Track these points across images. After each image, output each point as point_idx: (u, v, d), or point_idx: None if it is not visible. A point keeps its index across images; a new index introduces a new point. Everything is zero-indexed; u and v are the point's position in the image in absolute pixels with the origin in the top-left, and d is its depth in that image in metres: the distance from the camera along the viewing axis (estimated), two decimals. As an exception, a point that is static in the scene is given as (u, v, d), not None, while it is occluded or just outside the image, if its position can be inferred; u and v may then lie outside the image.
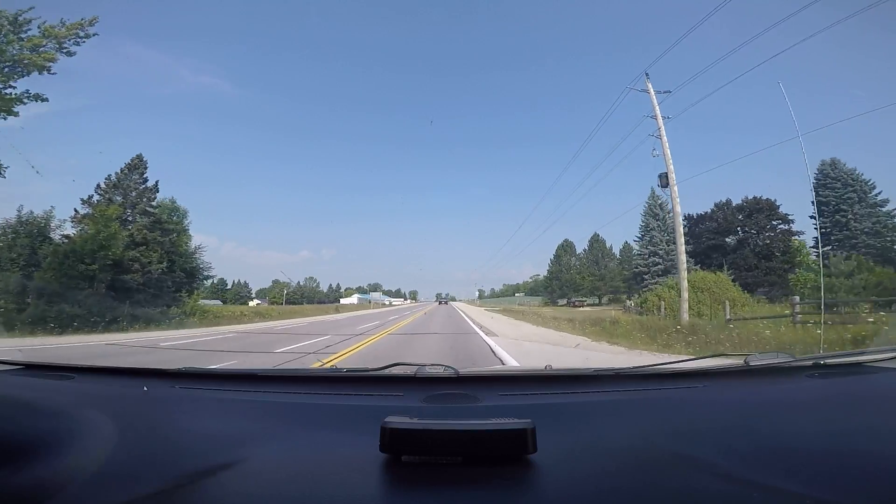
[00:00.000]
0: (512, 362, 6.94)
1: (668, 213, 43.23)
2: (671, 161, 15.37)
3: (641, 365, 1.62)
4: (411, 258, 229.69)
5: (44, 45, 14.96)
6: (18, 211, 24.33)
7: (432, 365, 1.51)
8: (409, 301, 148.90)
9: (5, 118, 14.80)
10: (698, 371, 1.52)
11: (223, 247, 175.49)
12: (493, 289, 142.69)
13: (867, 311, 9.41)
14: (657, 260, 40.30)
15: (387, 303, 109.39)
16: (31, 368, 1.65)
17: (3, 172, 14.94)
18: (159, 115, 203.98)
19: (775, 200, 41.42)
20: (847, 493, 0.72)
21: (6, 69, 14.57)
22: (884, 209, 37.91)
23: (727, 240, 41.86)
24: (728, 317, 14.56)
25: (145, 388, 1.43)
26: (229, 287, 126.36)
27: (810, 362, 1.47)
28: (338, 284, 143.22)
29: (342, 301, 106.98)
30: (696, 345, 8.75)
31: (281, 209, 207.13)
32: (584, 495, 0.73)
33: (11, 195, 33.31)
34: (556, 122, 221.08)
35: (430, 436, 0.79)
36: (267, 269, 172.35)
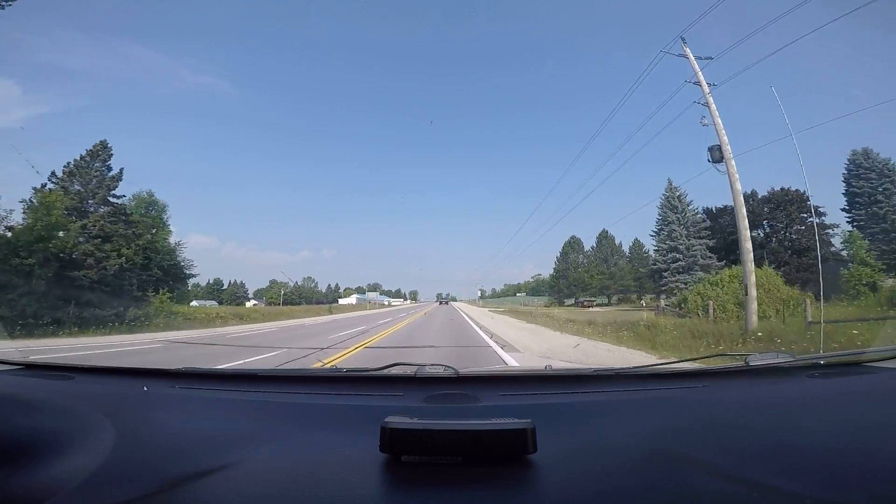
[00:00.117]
0: None
1: (688, 204, 39.81)
2: (724, 131, 12.20)
3: (641, 365, 1.71)
4: (411, 258, 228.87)
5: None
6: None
7: (432, 365, 1.51)
8: (408, 301, 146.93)
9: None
10: (698, 371, 1.52)
11: (224, 247, 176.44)
12: (493, 289, 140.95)
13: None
14: (677, 256, 36.84)
15: (385, 303, 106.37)
16: (30, 368, 1.67)
17: None
18: (159, 115, 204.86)
19: (804, 192, 38.04)
20: (847, 493, 0.72)
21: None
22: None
23: (753, 234, 38.43)
24: (810, 319, 11.09)
25: (145, 388, 1.45)
26: (225, 287, 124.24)
27: (810, 362, 1.47)
28: (336, 285, 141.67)
29: (340, 301, 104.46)
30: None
31: (281, 209, 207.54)
32: (584, 495, 0.73)
33: (12, 196, 31.50)
34: (556, 122, 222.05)
35: (430, 436, 0.79)
36: (268, 269, 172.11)
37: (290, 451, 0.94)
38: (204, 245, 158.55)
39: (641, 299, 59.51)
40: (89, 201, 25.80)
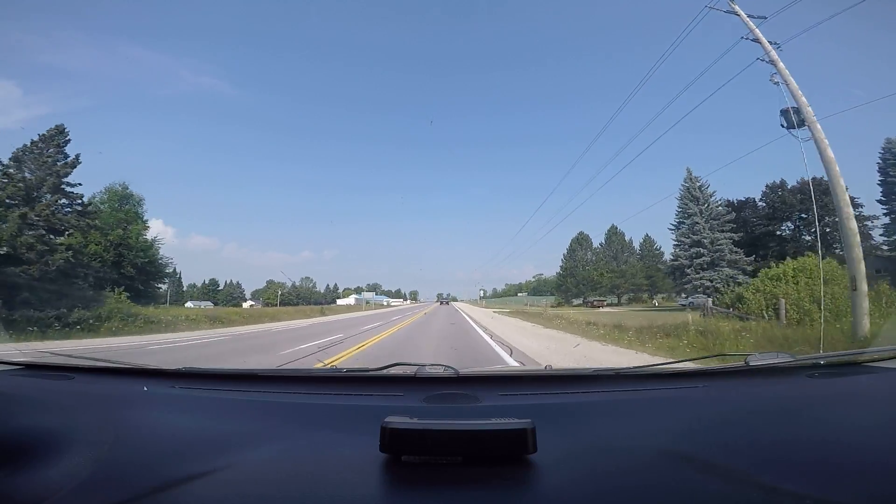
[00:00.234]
0: None
1: (711, 195, 36.45)
2: (798, 91, 9.71)
3: (641, 365, 1.68)
4: (412, 258, 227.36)
5: None
6: None
7: (432, 365, 1.50)
8: (408, 301, 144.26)
9: None
10: (698, 371, 1.51)
11: (225, 248, 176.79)
12: (494, 288, 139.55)
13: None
14: (701, 251, 33.46)
15: (385, 303, 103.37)
16: (30, 368, 1.66)
17: None
18: (160, 115, 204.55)
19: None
20: (847, 493, 0.72)
21: None
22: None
23: (784, 226, 35.12)
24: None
25: (145, 388, 1.44)
26: (221, 288, 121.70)
27: (810, 362, 1.47)
28: (335, 285, 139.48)
29: (339, 302, 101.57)
30: None
31: (282, 210, 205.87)
32: (584, 495, 0.73)
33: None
34: (557, 122, 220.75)
35: (430, 436, 0.78)
36: (269, 270, 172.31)
37: (290, 451, 0.94)
38: (205, 246, 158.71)
39: (654, 299, 56.34)
40: (41, 189, 22.55)
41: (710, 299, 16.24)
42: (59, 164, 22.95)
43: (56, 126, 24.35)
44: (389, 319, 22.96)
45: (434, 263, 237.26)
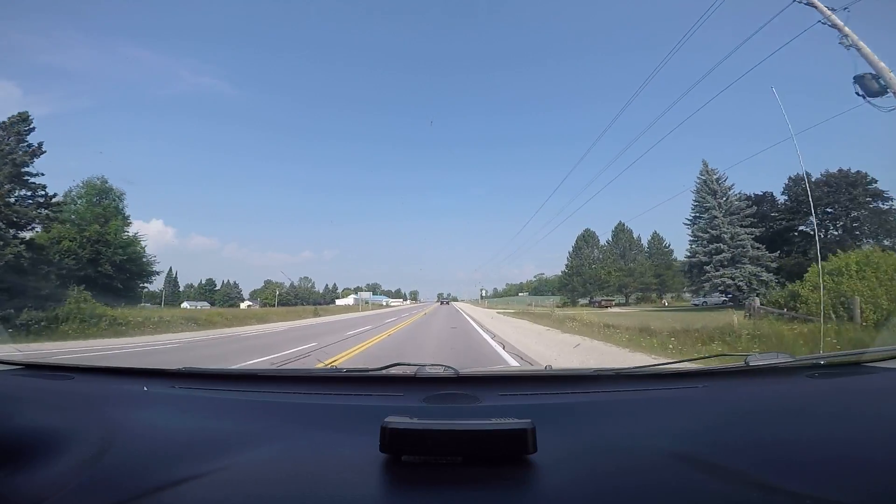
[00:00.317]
0: None
1: (730, 188, 34.10)
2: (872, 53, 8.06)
3: (641, 365, 1.74)
4: (412, 259, 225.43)
5: None
6: None
7: (432, 365, 1.50)
8: (408, 301, 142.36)
9: None
10: (698, 371, 1.51)
11: (225, 248, 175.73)
12: (495, 288, 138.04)
13: None
14: (721, 247, 31.12)
15: (384, 304, 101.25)
16: (30, 368, 1.64)
17: None
18: (160, 116, 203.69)
19: (867, 174, 32.42)
20: (847, 493, 0.72)
21: None
22: None
23: (810, 220, 32.73)
24: None
25: (145, 388, 1.44)
26: (218, 288, 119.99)
27: (810, 362, 1.46)
28: (334, 285, 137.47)
29: (338, 302, 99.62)
30: None
31: (282, 210, 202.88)
32: (584, 495, 0.73)
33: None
34: (557, 122, 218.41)
35: (430, 436, 0.78)
36: (269, 270, 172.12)
37: (290, 451, 0.94)
38: (205, 246, 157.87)
39: (662, 298, 54.08)
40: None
41: (756, 298, 13.86)
42: (16, 150, 20.67)
43: (19, 113, 22.16)
44: (382, 322, 20.65)
45: (434, 263, 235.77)
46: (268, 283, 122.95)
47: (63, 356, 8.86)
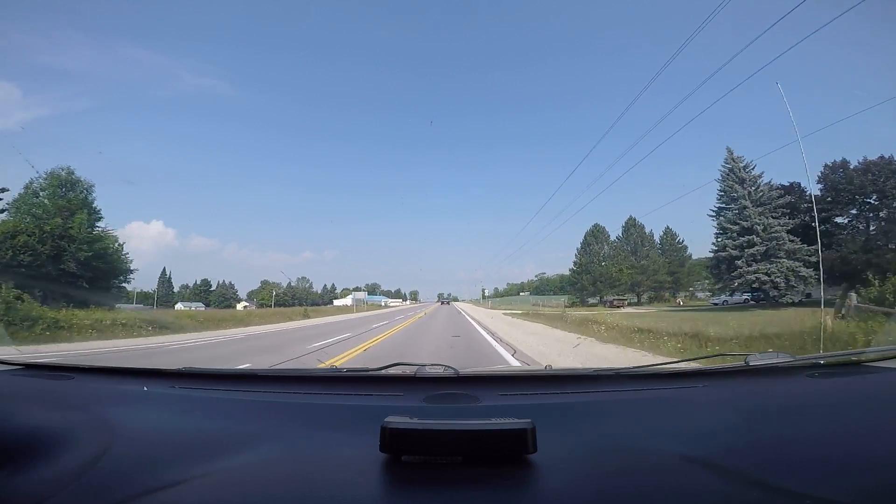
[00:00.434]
0: None
1: (759, 176, 30.83)
2: None
3: (641, 365, 1.68)
4: (412, 258, 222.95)
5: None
6: None
7: (432, 365, 1.49)
8: (408, 301, 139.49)
9: None
10: (698, 371, 1.51)
11: (225, 248, 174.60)
12: (496, 288, 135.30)
13: None
14: (754, 239, 27.90)
15: (382, 304, 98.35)
16: (31, 368, 1.65)
17: None
18: (160, 116, 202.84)
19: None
20: (847, 493, 0.72)
21: None
22: None
23: (850, 210, 29.56)
24: None
25: (145, 388, 1.44)
26: (214, 289, 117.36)
27: (810, 362, 1.46)
28: (333, 285, 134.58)
29: (336, 302, 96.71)
30: None
31: (282, 210, 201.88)
32: (584, 495, 0.73)
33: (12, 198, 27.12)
34: (557, 121, 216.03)
35: (430, 436, 0.78)
36: (270, 271, 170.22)
37: (290, 451, 0.94)
38: (206, 247, 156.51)
39: (677, 297, 50.90)
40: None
41: (853, 294, 10.66)
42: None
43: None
44: (368, 329, 17.49)
45: (434, 263, 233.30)
46: (264, 283, 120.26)
47: None
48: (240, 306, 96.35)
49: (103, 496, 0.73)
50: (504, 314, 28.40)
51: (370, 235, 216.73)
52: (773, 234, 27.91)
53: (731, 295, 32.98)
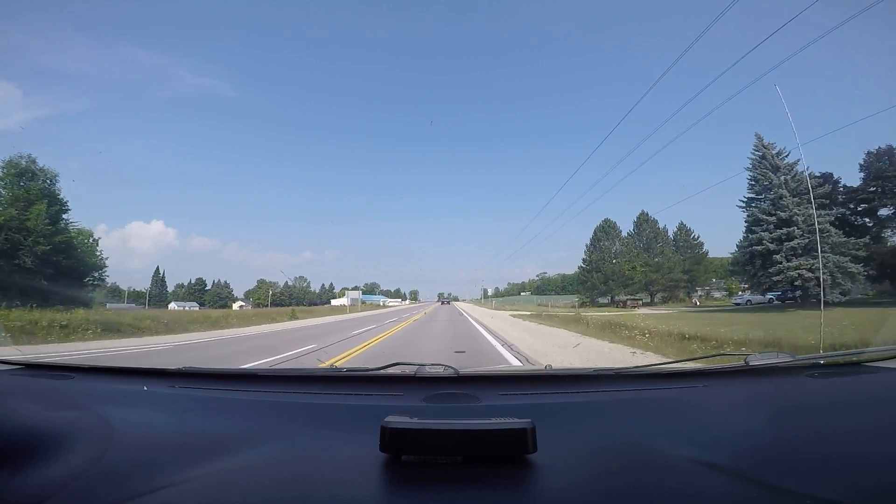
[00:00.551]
0: None
1: (795, 163, 27.62)
2: None
3: (641, 365, 1.68)
4: (412, 258, 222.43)
5: None
6: None
7: (432, 364, 1.48)
8: (407, 301, 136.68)
9: None
10: (698, 371, 1.50)
11: (226, 248, 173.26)
12: (497, 288, 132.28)
13: None
14: (794, 231, 24.73)
15: (381, 303, 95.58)
16: (30, 368, 1.65)
17: None
18: (160, 116, 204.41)
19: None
20: (847, 492, 0.72)
21: None
22: None
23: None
24: None
25: (145, 388, 1.44)
26: (209, 288, 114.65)
27: (810, 362, 1.46)
28: (331, 284, 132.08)
29: (333, 302, 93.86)
30: None
31: (282, 210, 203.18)
32: (584, 495, 0.73)
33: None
34: (558, 121, 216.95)
35: (430, 435, 0.78)
36: (271, 271, 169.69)
37: (290, 450, 0.94)
38: (206, 247, 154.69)
39: (692, 297, 47.77)
40: None
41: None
42: None
43: None
44: (348, 336, 14.39)
45: (435, 263, 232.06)
46: (261, 282, 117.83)
47: None
48: (235, 306, 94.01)
49: (103, 496, 0.73)
50: (512, 316, 25.25)
51: (370, 235, 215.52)
52: (817, 226, 24.74)
53: (763, 293, 29.79)
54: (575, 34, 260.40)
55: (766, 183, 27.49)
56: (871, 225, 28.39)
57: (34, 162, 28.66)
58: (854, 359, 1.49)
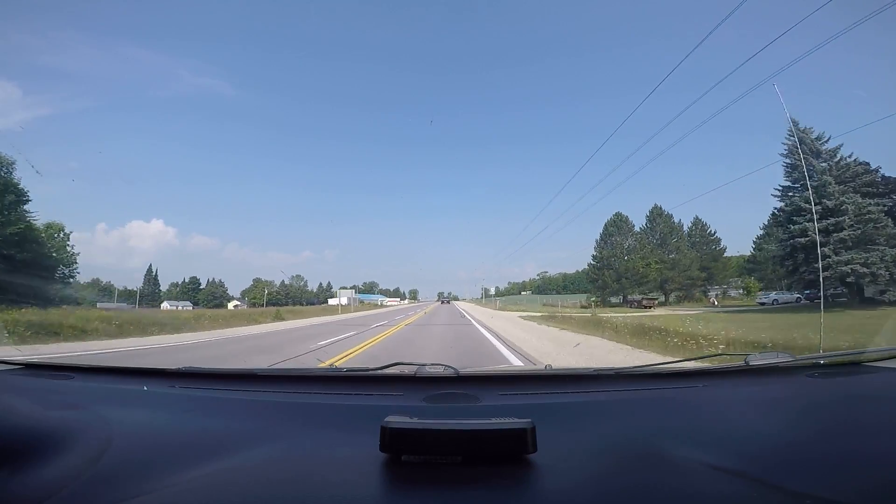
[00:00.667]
0: None
1: (839, 147, 24.60)
2: None
3: (641, 365, 1.66)
4: (412, 258, 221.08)
5: None
6: None
7: (433, 364, 1.48)
8: (406, 301, 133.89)
9: None
10: (698, 371, 1.51)
11: (226, 248, 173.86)
12: (497, 287, 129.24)
13: None
14: (844, 222, 21.71)
15: (379, 303, 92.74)
16: (30, 368, 1.65)
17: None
18: (160, 116, 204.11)
19: None
20: (847, 492, 0.72)
21: None
22: None
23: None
24: None
25: (145, 388, 1.44)
26: (203, 287, 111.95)
27: (810, 362, 1.46)
28: (329, 283, 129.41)
29: (330, 301, 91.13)
30: None
31: (282, 209, 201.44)
32: (584, 495, 0.73)
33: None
34: (558, 120, 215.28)
35: (430, 435, 0.79)
36: (270, 270, 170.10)
37: (290, 450, 0.94)
38: (206, 246, 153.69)
39: (709, 296, 44.79)
40: None
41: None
42: None
43: None
44: (344, 334, 11.48)
45: (435, 263, 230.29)
46: (257, 281, 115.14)
47: None
48: (231, 305, 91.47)
49: (103, 496, 0.73)
50: (522, 318, 22.27)
51: (370, 235, 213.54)
52: (867, 216, 21.69)
53: (799, 290, 26.79)
54: (575, 34, 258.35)
55: (806, 169, 24.46)
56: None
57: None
58: (854, 359, 1.50)
